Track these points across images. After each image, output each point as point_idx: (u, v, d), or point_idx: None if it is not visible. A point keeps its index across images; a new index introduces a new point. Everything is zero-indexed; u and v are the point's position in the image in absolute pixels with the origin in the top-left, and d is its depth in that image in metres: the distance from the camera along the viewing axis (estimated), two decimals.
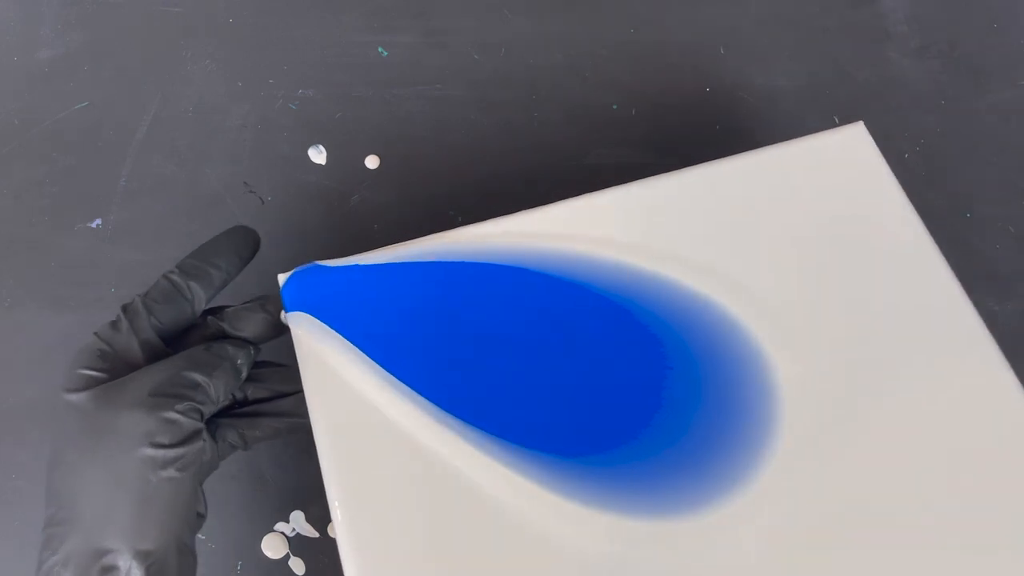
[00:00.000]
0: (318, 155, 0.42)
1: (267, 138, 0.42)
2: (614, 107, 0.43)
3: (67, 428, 0.25)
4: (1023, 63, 0.46)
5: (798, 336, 0.26)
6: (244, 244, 0.30)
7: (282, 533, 0.34)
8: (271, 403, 0.30)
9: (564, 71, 0.45)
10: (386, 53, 0.45)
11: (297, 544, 0.34)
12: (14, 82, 0.44)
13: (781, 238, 0.28)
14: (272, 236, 0.39)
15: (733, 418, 0.26)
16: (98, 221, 0.40)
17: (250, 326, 0.29)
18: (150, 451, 0.24)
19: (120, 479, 0.24)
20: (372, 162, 0.41)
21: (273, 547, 0.34)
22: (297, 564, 0.34)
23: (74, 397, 0.26)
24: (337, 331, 0.28)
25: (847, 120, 0.43)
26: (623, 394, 0.26)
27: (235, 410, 0.30)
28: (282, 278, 0.29)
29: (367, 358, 0.27)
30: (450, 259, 0.28)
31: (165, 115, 0.43)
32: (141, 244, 0.40)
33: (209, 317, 0.29)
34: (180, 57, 0.45)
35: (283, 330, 0.29)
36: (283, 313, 0.29)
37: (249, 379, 0.30)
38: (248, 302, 0.30)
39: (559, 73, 0.45)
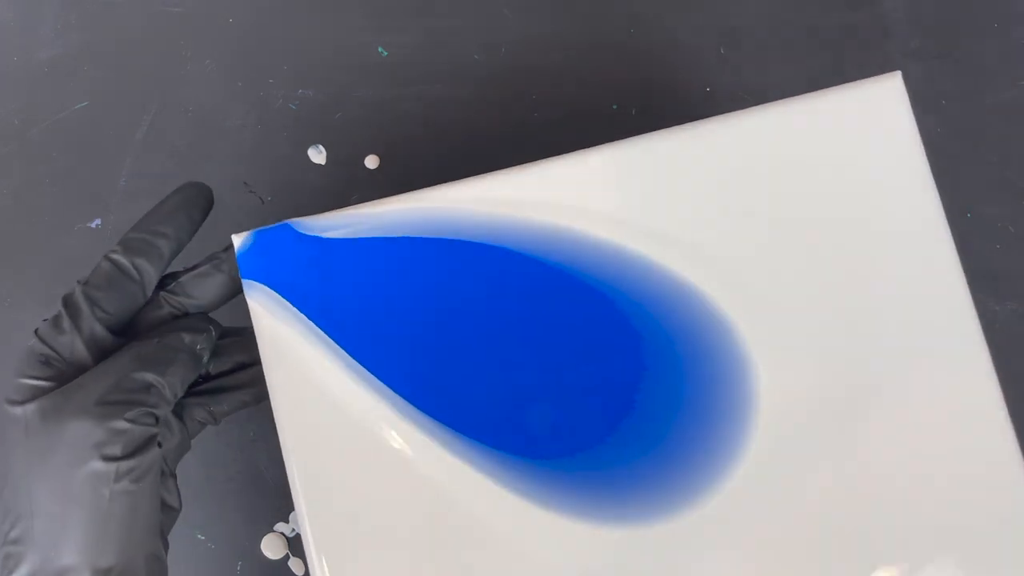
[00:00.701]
0: (318, 155, 0.42)
1: (267, 138, 0.42)
2: (614, 107, 0.43)
3: (13, 442, 0.24)
4: (1023, 63, 0.46)
5: (787, 340, 0.25)
6: (194, 204, 0.28)
7: (282, 533, 0.34)
8: (234, 376, 0.28)
9: (564, 71, 0.45)
10: (386, 53, 0.45)
11: (297, 544, 0.34)
12: (14, 82, 0.44)
13: (783, 220, 0.25)
14: None
15: (707, 424, 0.24)
16: (98, 221, 0.40)
17: (208, 292, 0.27)
18: (101, 465, 0.23)
19: (72, 496, 0.23)
20: (372, 162, 0.41)
21: (273, 547, 0.34)
22: (297, 564, 0.34)
23: (18, 411, 0.24)
24: (298, 309, 0.26)
25: None
26: (595, 393, 0.25)
27: (199, 387, 0.28)
28: (237, 240, 0.26)
29: (331, 342, 0.25)
30: (425, 235, 0.26)
31: (165, 115, 0.43)
32: None
33: (162, 293, 0.27)
34: (180, 57, 0.45)
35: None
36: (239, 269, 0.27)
37: (211, 355, 0.28)
38: (200, 264, 0.27)
39: (559, 73, 0.45)
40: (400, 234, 0.26)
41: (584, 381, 0.25)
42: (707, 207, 0.25)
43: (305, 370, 0.25)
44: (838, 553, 0.24)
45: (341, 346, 0.26)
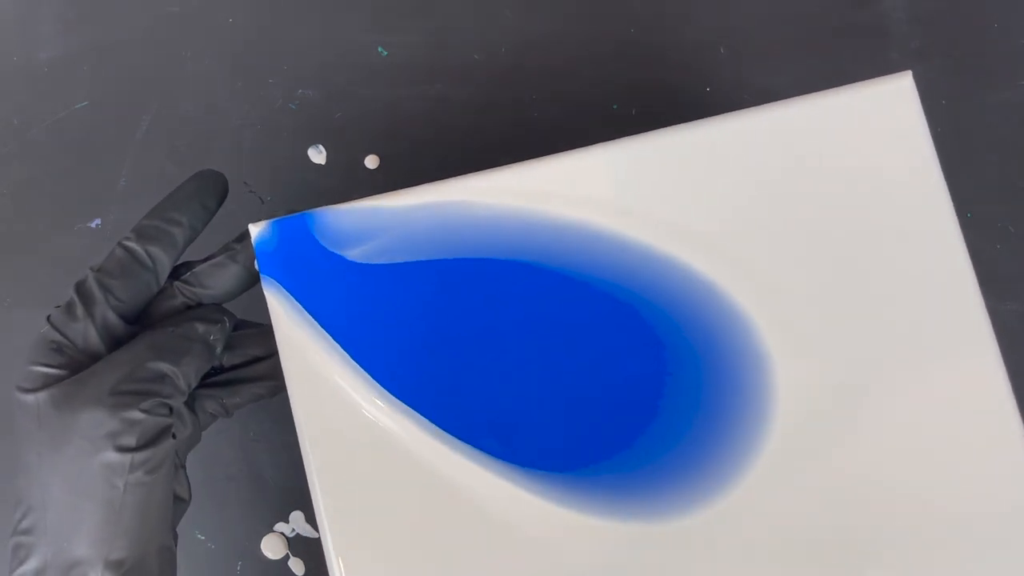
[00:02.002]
0: (318, 155, 0.42)
1: (267, 138, 0.42)
2: (614, 107, 0.43)
3: (25, 432, 0.23)
4: (1023, 63, 0.46)
5: (803, 335, 0.25)
6: (208, 192, 0.27)
7: (282, 533, 0.34)
8: (248, 368, 0.28)
9: (564, 71, 0.45)
10: (386, 53, 0.45)
11: (297, 544, 0.34)
12: (14, 82, 0.44)
13: (797, 217, 0.25)
14: None
15: (727, 420, 0.25)
16: (98, 221, 0.40)
17: (222, 283, 0.26)
18: (115, 456, 0.23)
19: (85, 487, 0.23)
20: (372, 162, 0.41)
21: (273, 547, 0.34)
22: (297, 564, 0.34)
23: (30, 398, 0.23)
24: (316, 320, 0.25)
25: None
26: (619, 402, 0.25)
27: (211, 379, 0.28)
28: (255, 230, 0.26)
29: (348, 358, 0.26)
30: (446, 257, 0.26)
31: (165, 115, 0.43)
32: None
33: (175, 283, 0.27)
34: (180, 57, 0.45)
35: (259, 279, 0.27)
36: (257, 264, 0.27)
37: (224, 346, 0.28)
38: (215, 255, 0.27)
39: (559, 73, 0.45)
40: (422, 257, 0.26)
41: (608, 391, 0.25)
42: (726, 205, 0.25)
43: (324, 374, 0.25)
44: (855, 547, 0.24)
45: (358, 362, 0.25)
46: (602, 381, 0.25)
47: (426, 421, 0.25)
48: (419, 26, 0.46)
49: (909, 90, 0.25)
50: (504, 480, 0.25)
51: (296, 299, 0.26)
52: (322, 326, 0.26)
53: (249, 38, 0.46)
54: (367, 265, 0.26)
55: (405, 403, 0.25)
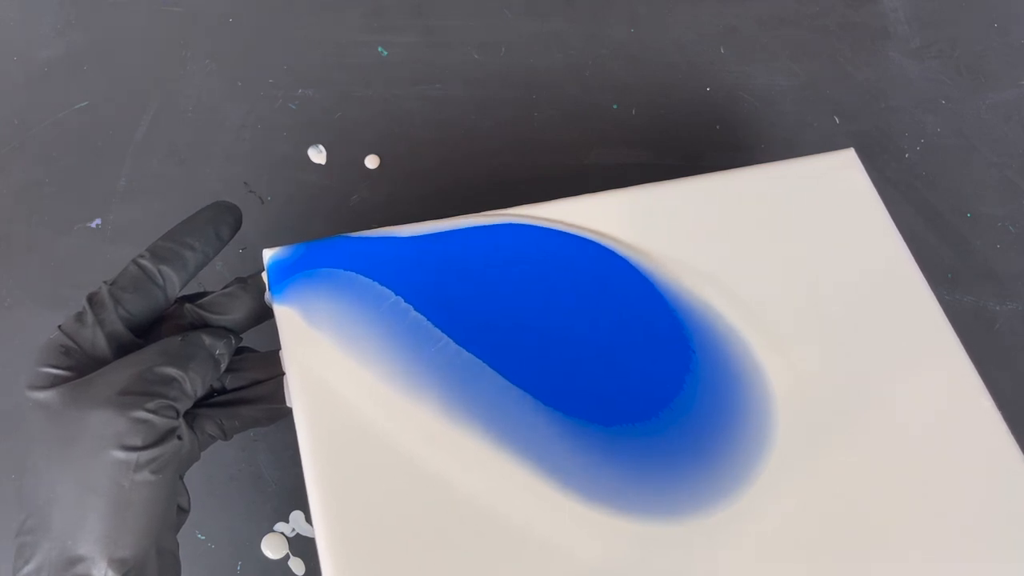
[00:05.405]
0: (318, 155, 0.42)
1: (267, 138, 0.42)
2: (614, 107, 0.43)
3: (34, 430, 0.24)
4: (1023, 63, 0.46)
5: (790, 348, 0.27)
6: (223, 222, 0.28)
7: (282, 533, 0.34)
8: (248, 390, 0.28)
9: (564, 71, 0.45)
10: (386, 53, 0.45)
11: (297, 544, 0.34)
12: (14, 82, 0.44)
13: (775, 251, 0.29)
14: (272, 236, 0.39)
15: (732, 423, 0.26)
16: (98, 221, 0.40)
17: (233, 311, 0.27)
18: (121, 454, 0.23)
19: (91, 484, 0.23)
20: (372, 162, 0.41)
21: (273, 547, 0.34)
22: (297, 564, 0.34)
23: (40, 395, 0.24)
24: (346, 269, 0.27)
25: (847, 120, 0.44)
26: (648, 373, 0.27)
27: (213, 399, 0.29)
28: (268, 254, 0.27)
29: (352, 359, 0.26)
30: (470, 225, 0.29)
31: (165, 115, 0.43)
32: (141, 244, 0.39)
33: (186, 305, 0.27)
34: (180, 57, 0.45)
35: (269, 314, 0.28)
36: (267, 294, 0.27)
37: (227, 369, 0.28)
38: (227, 286, 0.28)
39: (559, 73, 0.45)
40: (462, 226, 0.29)
41: (638, 362, 0.27)
42: (713, 242, 0.29)
43: (331, 384, 0.26)
44: (863, 541, 0.25)
45: (391, 289, 0.27)
46: (633, 351, 0.27)
47: (438, 403, 0.26)
48: (419, 26, 0.46)
49: (854, 159, 0.31)
50: (515, 468, 0.25)
51: (345, 269, 0.28)
52: (352, 270, 0.27)
53: (249, 38, 0.46)
54: (412, 237, 0.28)
55: (432, 322, 0.27)
